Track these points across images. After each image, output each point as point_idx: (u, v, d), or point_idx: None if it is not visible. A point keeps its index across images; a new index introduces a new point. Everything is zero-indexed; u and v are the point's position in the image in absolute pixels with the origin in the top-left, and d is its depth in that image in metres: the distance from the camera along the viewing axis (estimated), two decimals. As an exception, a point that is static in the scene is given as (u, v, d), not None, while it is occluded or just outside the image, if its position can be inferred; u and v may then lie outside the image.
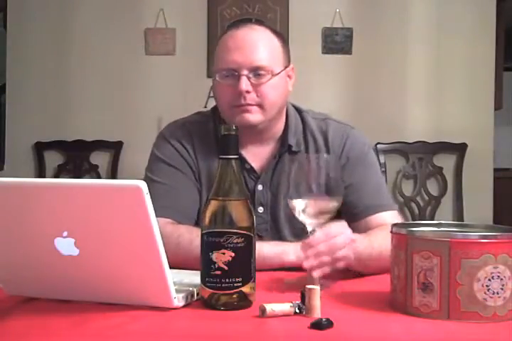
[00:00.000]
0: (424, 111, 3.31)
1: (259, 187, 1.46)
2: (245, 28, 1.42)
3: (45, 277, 1.00)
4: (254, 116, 1.39)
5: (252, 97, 1.36)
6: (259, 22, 1.49)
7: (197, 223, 1.37)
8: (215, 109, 1.56)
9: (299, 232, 1.40)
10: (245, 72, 1.35)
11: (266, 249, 1.24)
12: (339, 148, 1.46)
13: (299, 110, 1.52)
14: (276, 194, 1.46)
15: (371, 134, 1.58)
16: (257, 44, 1.38)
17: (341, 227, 1.15)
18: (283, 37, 1.46)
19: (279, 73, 1.39)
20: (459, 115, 3.31)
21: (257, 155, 1.46)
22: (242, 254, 0.95)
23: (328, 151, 1.45)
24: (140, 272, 0.94)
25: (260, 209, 1.46)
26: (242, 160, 1.44)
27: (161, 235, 0.91)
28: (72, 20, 3.33)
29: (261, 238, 1.43)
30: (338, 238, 1.12)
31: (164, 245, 0.92)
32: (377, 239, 1.25)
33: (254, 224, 0.99)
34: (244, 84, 1.34)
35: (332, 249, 1.10)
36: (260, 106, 1.38)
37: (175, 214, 1.38)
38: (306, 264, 1.07)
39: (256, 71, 1.36)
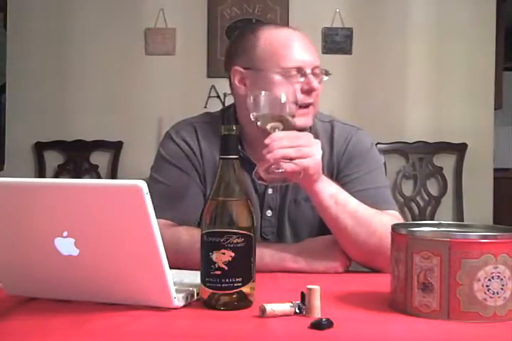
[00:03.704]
0: (424, 111, 3.31)
1: (270, 191, 1.45)
2: (288, 28, 1.43)
3: (45, 277, 1.00)
4: (311, 119, 1.40)
5: (316, 96, 1.36)
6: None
7: (199, 225, 1.37)
8: (223, 110, 1.55)
9: (301, 236, 1.41)
10: (309, 70, 1.35)
11: (266, 259, 1.26)
12: (342, 146, 1.46)
13: None
14: (284, 198, 1.46)
15: (371, 134, 1.58)
16: (310, 44, 1.40)
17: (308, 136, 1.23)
18: None
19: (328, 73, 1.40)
20: (459, 115, 3.31)
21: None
22: (242, 254, 0.95)
23: (331, 152, 1.45)
24: (140, 272, 0.94)
25: (269, 213, 1.46)
26: (253, 165, 1.44)
27: (161, 238, 0.91)
28: (72, 20, 3.32)
29: (266, 240, 1.43)
30: (302, 137, 1.21)
31: (164, 248, 0.92)
32: (367, 209, 1.29)
33: (255, 224, 0.99)
34: (315, 82, 1.34)
35: (293, 142, 1.18)
36: (314, 106, 1.39)
37: (176, 216, 1.38)
38: (268, 156, 1.15)
39: (315, 70, 1.37)
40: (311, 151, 1.20)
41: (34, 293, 1.03)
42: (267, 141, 1.18)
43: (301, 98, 1.34)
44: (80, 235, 0.94)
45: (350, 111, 3.19)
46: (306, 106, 1.36)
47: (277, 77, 1.35)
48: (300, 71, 1.35)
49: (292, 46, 1.37)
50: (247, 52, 1.41)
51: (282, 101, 1.20)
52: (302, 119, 1.35)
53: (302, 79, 1.35)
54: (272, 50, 1.38)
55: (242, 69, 1.42)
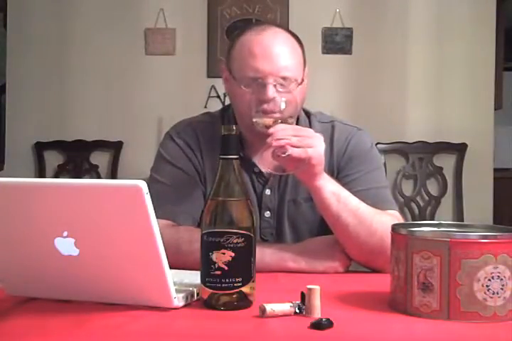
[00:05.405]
0: (424, 111, 3.31)
1: (267, 191, 1.45)
2: (268, 32, 1.38)
3: (45, 277, 1.00)
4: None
5: (276, 104, 1.34)
6: (278, 25, 1.48)
7: (199, 225, 1.36)
8: (223, 109, 1.55)
9: (301, 237, 1.41)
10: (271, 80, 1.32)
11: (267, 258, 1.26)
12: (343, 146, 1.46)
13: (307, 113, 1.52)
14: (282, 199, 1.45)
15: (371, 134, 1.58)
16: (284, 52, 1.36)
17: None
18: (300, 39, 1.43)
19: (302, 82, 1.38)
20: (459, 115, 3.31)
21: (266, 159, 1.44)
22: (242, 254, 0.95)
23: (332, 152, 1.45)
24: (140, 272, 0.94)
25: (267, 214, 1.45)
26: (252, 164, 1.45)
27: (161, 238, 0.91)
28: (72, 20, 3.32)
29: (265, 241, 1.43)
30: (305, 129, 1.25)
31: (164, 248, 0.91)
32: (367, 208, 1.29)
33: (255, 224, 0.99)
34: (272, 92, 1.30)
35: (297, 132, 1.21)
36: (282, 112, 1.37)
37: (176, 216, 1.38)
38: (274, 143, 1.18)
39: (282, 80, 1.34)
40: (315, 142, 1.21)
41: (34, 293, 1.03)
42: (271, 130, 1.20)
43: (256, 106, 1.29)
44: (80, 235, 0.94)
45: (350, 111, 3.19)
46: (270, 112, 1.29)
47: (240, 85, 1.36)
48: (256, 81, 1.33)
49: (255, 54, 1.34)
50: (228, 53, 1.43)
51: (282, 107, 1.24)
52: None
53: (259, 89, 1.32)
54: (236, 58, 1.39)
55: (226, 69, 1.44)
